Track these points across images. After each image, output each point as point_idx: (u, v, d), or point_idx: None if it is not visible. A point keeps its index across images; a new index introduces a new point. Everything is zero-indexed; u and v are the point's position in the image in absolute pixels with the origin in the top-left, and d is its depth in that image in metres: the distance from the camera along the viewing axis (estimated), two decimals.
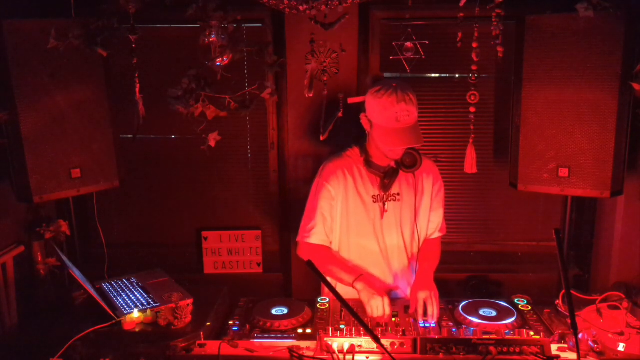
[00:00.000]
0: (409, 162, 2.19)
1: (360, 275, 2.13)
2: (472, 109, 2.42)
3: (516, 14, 2.48)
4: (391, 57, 2.67)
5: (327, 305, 2.16)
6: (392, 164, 2.23)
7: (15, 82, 2.38)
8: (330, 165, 2.29)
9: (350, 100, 2.29)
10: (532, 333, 1.83)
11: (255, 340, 1.91)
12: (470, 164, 2.48)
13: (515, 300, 2.18)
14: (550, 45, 2.41)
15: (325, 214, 2.25)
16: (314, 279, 2.07)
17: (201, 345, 1.89)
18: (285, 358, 1.83)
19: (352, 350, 1.82)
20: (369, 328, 1.77)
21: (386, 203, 2.26)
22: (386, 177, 2.22)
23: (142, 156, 3.26)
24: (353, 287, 2.11)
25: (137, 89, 2.44)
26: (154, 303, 2.19)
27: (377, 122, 2.11)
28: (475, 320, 2.01)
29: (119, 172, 2.75)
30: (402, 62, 2.61)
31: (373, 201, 2.26)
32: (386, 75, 3.06)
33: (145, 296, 2.26)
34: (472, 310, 2.08)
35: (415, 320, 2.02)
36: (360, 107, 2.23)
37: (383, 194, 2.25)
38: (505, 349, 1.78)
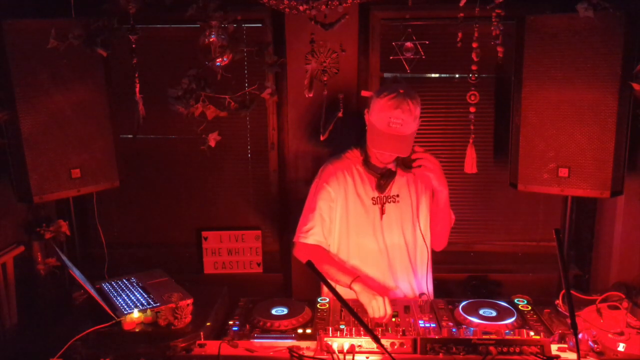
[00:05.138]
0: (408, 162, 2.18)
1: (357, 276, 2.13)
2: (472, 109, 2.43)
3: (516, 14, 2.48)
4: (391, 57, 2.68)
5: (327, 305, 2.16)
6: (391, 165, 2.22)
7: (15, 82, 2.38)
8: (330, 166, 2.29)
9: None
10: (532, 333, 1.82)
11: (255, 340, 1.91)
12: (470, 164, 2.48)
13: (515, 300, 2.18)
14: (550, 45, 2.41)
15: (324, 215, 2.25)
16: (314, 279, 2.07)
17: (201, 345, 1.89)
18: (285, 358, 1.83)
19: (352, 350, 1.82)
20: (369, 328, 1.77)
21: (385, 205, 2.26)
22: (382, 178, 2.22)
23: (142, 156, 3.26)
24: (350, 288, 2.10)
25: (137, 89, 2.44)
26: (154, 303, 2.19)
27: (372, 120, 2.11)
28: (475, 320, 2.00)
29: (119, 172, 2.75)
30: (402, 62, 2.62)
31: (372, 203, 2.26)
32: (386, 75, 3.06)
33: (145, 296, 2.26)
34: (472, 310, 2.08)
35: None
36: (367, 103, 2.22)
37: (381, 195, 2.26)
38: (505, 349, 1.78)
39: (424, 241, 2.31)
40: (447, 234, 2.36)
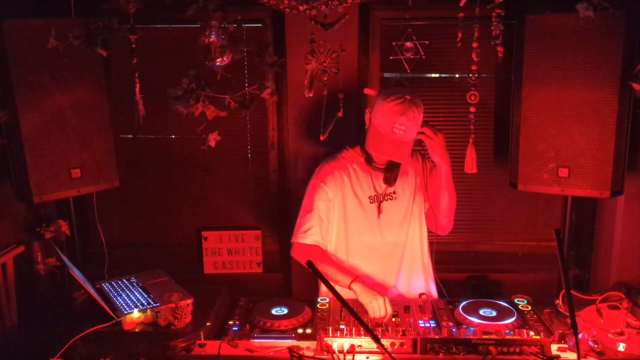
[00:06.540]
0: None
1: (356, 277, 2.13)
2: (472, 109, 2.42)
3: (516, 14, 2.48)
4: (391, 57, 2.67)
5: (327, 305, 2.16)
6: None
7: (15, 82, 2.38)
8: (326, 166, 2.30)
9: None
10: (532, 333, 1.83)
11: (255, 340, 1.91)
12: (470, 164, 2.48)
13: (515, 300, 2.18)
14: (550, 45, 2.41)
15: (322, 216, 2.25)
16: (314, 279, 2.08)
17: (201, 345, 1.89)
18: (285, 358, 1.83)
19: (352, 350, 1.82)
20: (369, 328, 1.77)
21: (382, 203, 2.26)
22: (387, 171, 2.22)
23: (142, 156, 3.26)
24: (350, 288, 2.10)
25: (137, 89, 2.44)
26: (154, 303, 2.19)
27: (375, 122, 2.12)
28: (475, 320, 2.00)
29: (119, 172, 2.75)
30: (402, 62, 2.61)
31: (370, 202, 2.26)
32: (386, 75, 3.06)
33: (145, 296, 2.26)
34: (472, 310, 2.08)
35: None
36: (368, 102, 2.21)
37: (379, 193, 2.26)
38: (505, 349, 1.78)
39: (422, 238, 2.31)
40: (452, 214, 2.31)
